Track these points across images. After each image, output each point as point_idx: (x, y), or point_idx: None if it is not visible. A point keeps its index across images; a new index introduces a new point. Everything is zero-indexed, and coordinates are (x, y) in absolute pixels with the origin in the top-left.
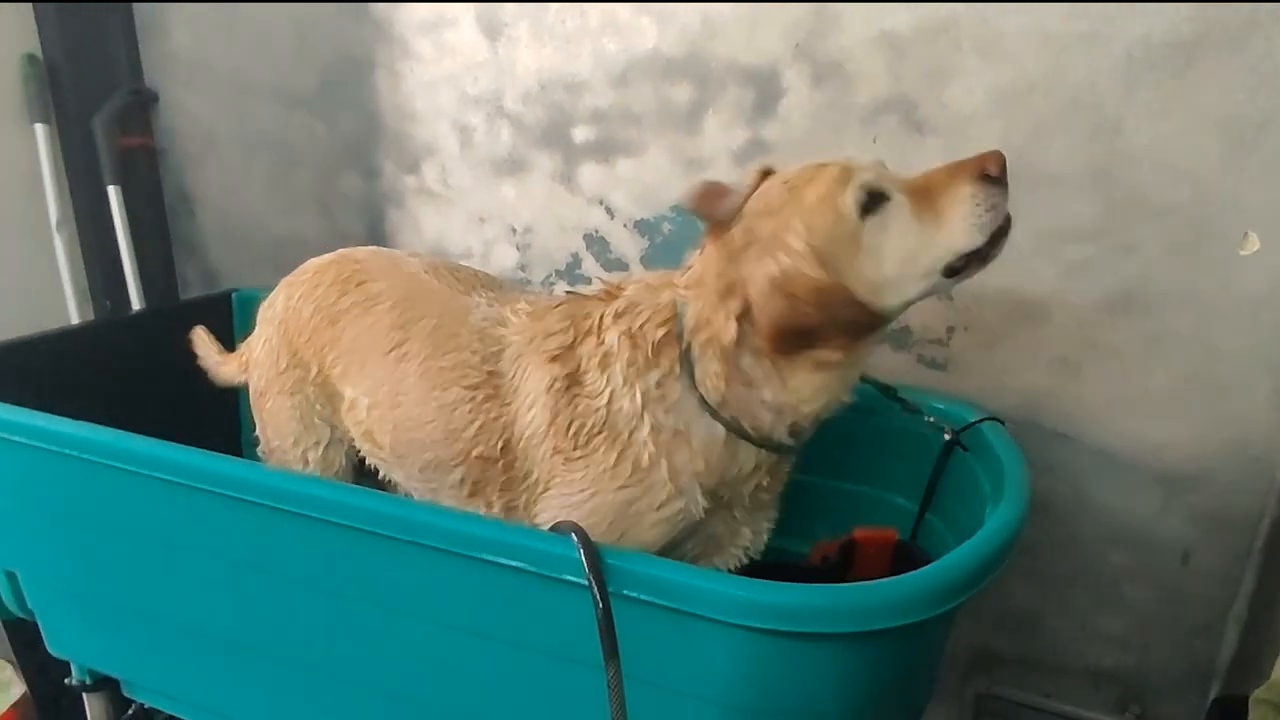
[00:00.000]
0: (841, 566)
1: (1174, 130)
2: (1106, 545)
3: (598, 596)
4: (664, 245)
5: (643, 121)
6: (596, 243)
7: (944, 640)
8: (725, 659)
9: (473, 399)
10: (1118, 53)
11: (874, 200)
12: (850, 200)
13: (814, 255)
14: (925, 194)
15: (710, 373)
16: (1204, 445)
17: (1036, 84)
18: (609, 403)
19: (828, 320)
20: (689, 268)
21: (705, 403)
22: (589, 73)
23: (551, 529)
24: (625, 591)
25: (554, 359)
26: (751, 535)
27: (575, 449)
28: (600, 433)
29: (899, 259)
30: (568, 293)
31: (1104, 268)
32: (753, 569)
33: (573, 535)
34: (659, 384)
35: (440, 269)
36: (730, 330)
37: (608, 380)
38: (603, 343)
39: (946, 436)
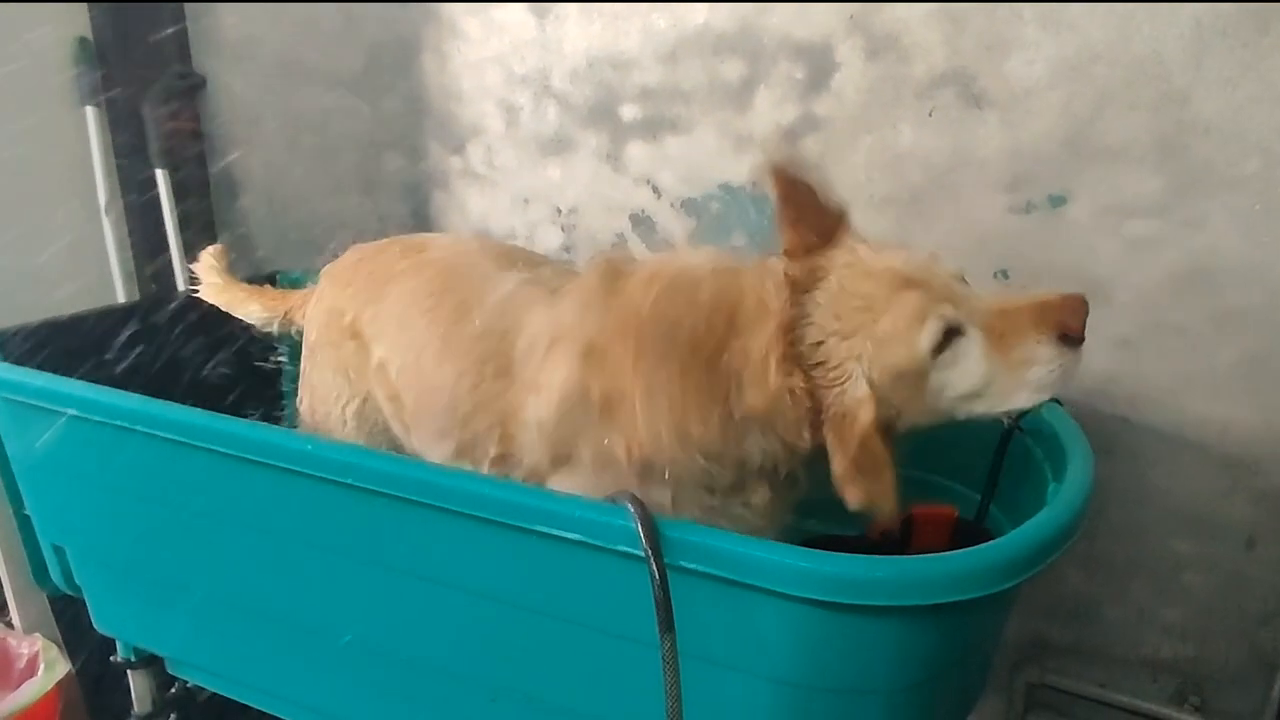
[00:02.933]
0: (900, 543)
1: (1244, 99)
2: (1167, 531)
3: (654, 568)
4: (711, 225)
5: (692, 99)
6: (642, 223)
7: (1002, 624)
8: (781, 633)
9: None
10: (1185, 20)
11: (949, 336)
12: (926, 339)
13: (874, 397)
14: (1002, 334)
15: None
16: (1271, 426)
17: (1100, 54)
18: None
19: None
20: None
21: None
22: (638, 50)
23: (607, 499)
24: (681, 563)
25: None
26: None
27: None
28: None
29: (957, 394)
30: None
31: (1169, 243)
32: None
33: (629, 505)
34: None
35: (492, 249)
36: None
37: None
38: None
39: (1006, 423)
